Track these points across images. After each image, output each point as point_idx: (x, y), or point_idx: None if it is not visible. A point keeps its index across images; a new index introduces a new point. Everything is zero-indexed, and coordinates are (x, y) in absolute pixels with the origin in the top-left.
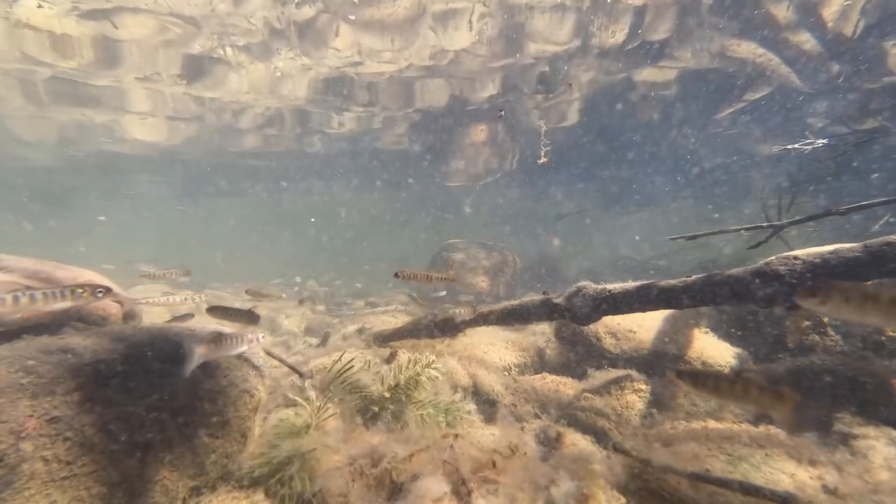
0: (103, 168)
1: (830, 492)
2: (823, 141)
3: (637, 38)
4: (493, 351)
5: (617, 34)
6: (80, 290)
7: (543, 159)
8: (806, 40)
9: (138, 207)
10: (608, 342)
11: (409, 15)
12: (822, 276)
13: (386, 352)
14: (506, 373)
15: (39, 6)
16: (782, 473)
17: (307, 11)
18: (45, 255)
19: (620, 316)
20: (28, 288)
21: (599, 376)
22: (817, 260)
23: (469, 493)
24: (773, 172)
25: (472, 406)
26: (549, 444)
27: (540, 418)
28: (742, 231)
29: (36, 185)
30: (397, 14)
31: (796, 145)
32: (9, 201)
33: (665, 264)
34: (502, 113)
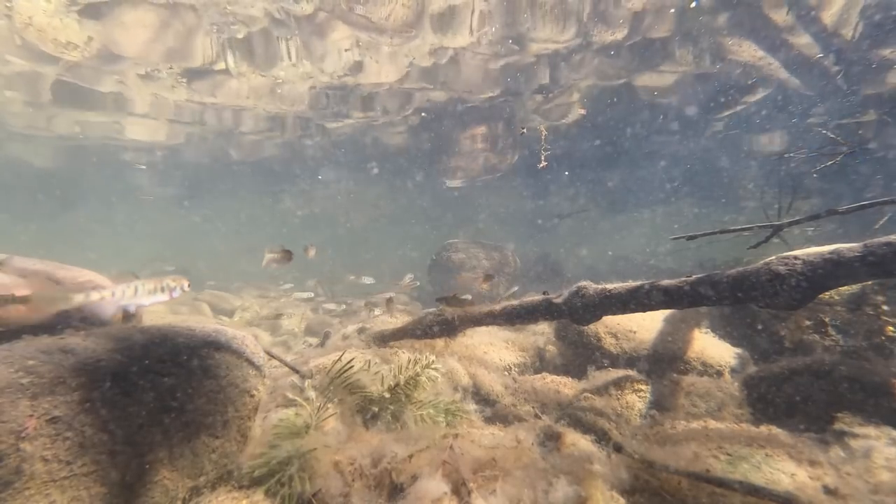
0: (105, 170)
1: (831, 492)
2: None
3: (637, 35)
4: (493, 351)
5: (617, 33)
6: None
7: (543, 163)
8: (805, 42)
9: (140, 209)
10: (608, 342)
11: (408, 16)
12: (822, 275)
13: (387, 352)
14: (506, 373)
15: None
16: (782, 473)
17: (306, 7)
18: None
19: (620, 316)
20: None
21: (599, 376)
22: (817, 260)
23: (469, 493)
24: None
25: (472, 406)
26: (550, 444)
27: (540, 418)
28: (743, 231)
29: (40, 187)
30: (396, 14)
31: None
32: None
33: (653, 263)
34: (524, 130)
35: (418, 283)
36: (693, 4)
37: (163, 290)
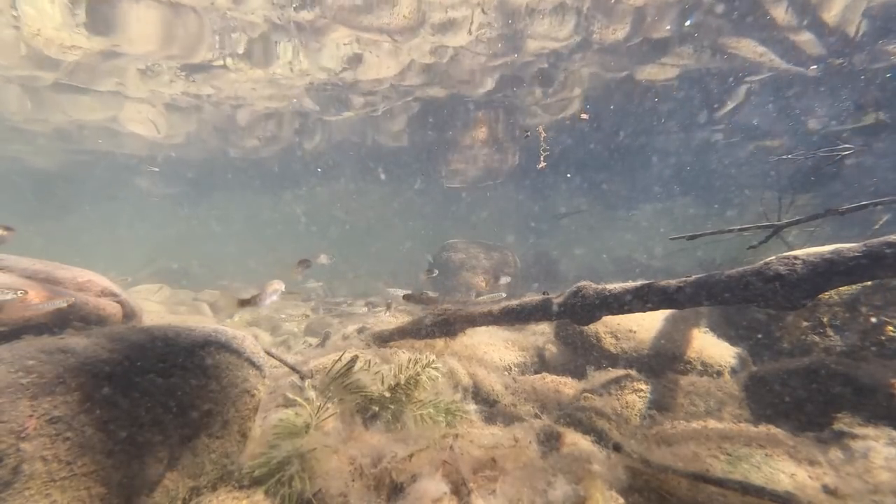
0: (103, 169)
1: (830, 492)
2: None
3: (638, 34)
4: (493, 351)
5: (618, 31)
6: None
7: (542, 164)
8: (807, 40)
9: (141, 210)
10: (608, 342)
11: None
12: (822, 276)
13: (387, 352)
14: (506, 373)
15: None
16: (782, 473)
17: (306, 14)
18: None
19: (620, 316)
20: None
21: (599, 376)
22: (817, 260)
23: (469, 493)
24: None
25: (472, 406)
26: (549, 444)
27: (540, 418)
28: (743, 231)
29: (39, 187)
30: (396, 23)
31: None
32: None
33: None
34: (528, 134)
35: (436, 273)
36: (688, 23)
37: (278, 291)
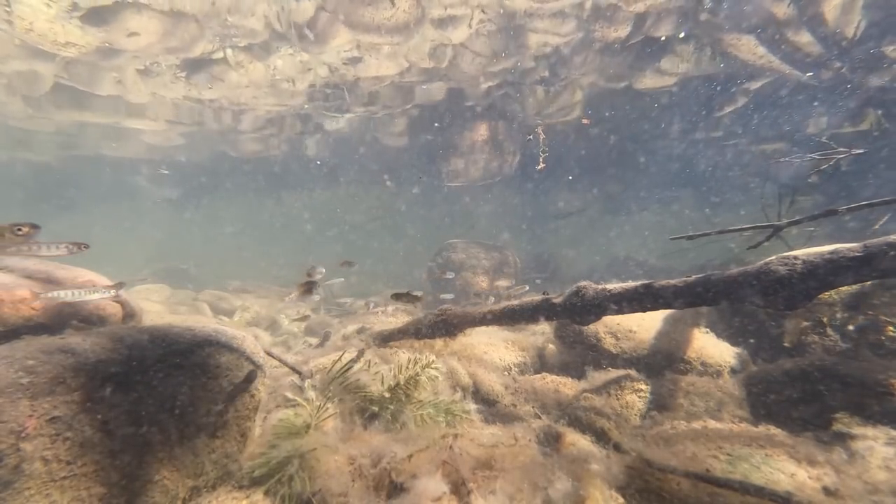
0: (103, 170)
1: (830, 492)
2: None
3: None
4: (493, 351)
5: (619, 31)
6: None
7: (541, 166)
8: (807, 41)
9: (143, 210)
10: (608, 342)
11: (408, 19)
12: (822, 275)
13: (387, 352)
14: (506, 373)
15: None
16: (782, 473)
17: (307, 8)
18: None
19: (620, 316)
20: None
21: (599, 376)
22: (817, 260)
23: (469, 492)
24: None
25: (472, 406)
26: (549, 444)
27: (540, 418)
28: (742, 231)
29: (40, 186)
30: (397, 17)
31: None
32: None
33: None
34: (531, 137)
35: (452, 274)
36: (682, 34)
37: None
